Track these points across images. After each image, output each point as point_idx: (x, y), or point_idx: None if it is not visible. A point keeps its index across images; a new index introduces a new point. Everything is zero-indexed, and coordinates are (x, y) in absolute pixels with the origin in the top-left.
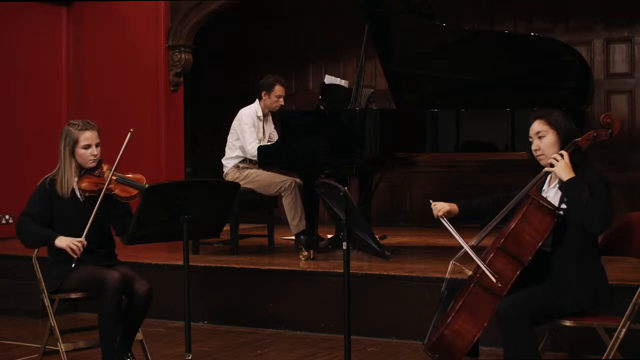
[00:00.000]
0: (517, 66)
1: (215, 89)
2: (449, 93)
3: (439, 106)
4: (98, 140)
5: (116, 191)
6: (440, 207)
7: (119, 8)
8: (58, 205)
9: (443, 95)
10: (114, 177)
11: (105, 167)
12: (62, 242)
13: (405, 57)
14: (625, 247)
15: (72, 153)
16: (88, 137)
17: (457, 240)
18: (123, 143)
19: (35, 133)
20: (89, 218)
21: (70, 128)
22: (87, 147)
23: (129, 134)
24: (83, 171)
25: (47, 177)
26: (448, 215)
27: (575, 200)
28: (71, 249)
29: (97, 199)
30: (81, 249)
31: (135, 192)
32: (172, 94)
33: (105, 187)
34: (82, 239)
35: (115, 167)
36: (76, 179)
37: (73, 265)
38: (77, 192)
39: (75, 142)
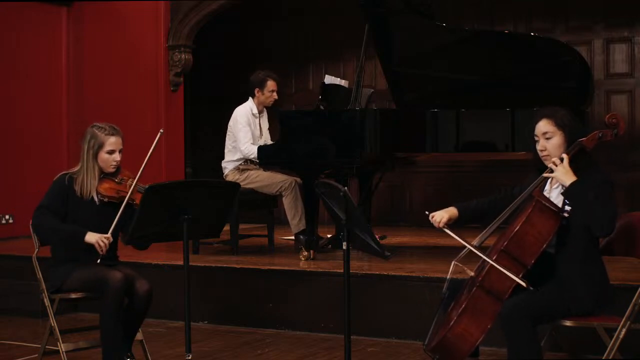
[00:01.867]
0: (517, 66)
1: (215, 89)
2: (449, 93)
3: (439, 106)
4: (122, 147)
5: (137, 201)
6: (439, 219)
7: (119, 8)
8: (74, 205)
9: (443, 95)
10: (136, 186)
11: (126, 174)
12: (92, 237)
13: (405, 57)
14: (626, 247)
15: (96, 156)
16: (113, 142)
17: (457, 240)
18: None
19: (35, 133)
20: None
21: (97, 131)
22: (112, 152)
23: (159, 134)
24: (102, 175)
25: (66, 174)
26: (449, 222)
27: (580, 205)
28: (99, 245)
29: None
30: (107, 245)
31: None
32: (172, 94)
33: (128, 196)
34: (109, 235)
35: (139, 177)
36: (96, 183)
37: (99, 260)
38: (95, 196)
39: (100, 146)
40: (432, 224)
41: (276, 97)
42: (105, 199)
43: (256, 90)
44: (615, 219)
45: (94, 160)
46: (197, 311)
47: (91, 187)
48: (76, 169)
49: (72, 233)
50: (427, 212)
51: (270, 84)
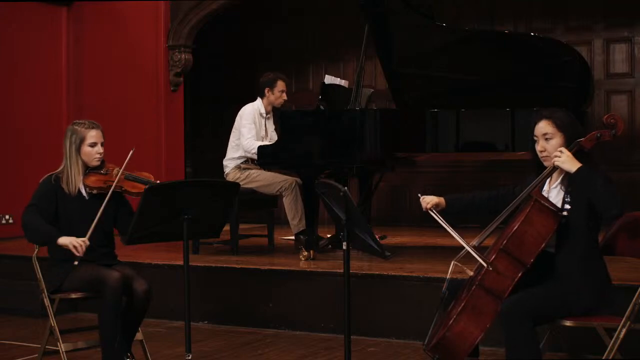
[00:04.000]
0: (517, 66)
1: (215, 89)
2: (449, 93)
3: (439, 106)
4: (103, 140)
5: (127, 187)
6: (428, 200)
7: (119, 8)
8: (63, 203)
9: (443, 95)
10: (122, 175)
11: (111, 166)
12: (65, 240)
13: (405, 57)
14: (626, 247)
15: (78, 151)
16: (94, 135)
17: (457, 241)
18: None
19: (35, 133)
20: (94, 216)
21: (76, 127)
22: (94, 145)
23: (131, 152)
24: (88, 170)
25: (51, 174)
26: (437, 208)
27: (590, 187)
28: (74, 246)
29: (104, 197)
30: (84, 248)
31: (144, 187)
32: (172, 94)
33: (114, 184)
34: (86, 239)
35: (125, 166)
36: (81, 177)
37: (76, 262)
38: (83, 190)
39: (81, 140)
40: (431, 223)
41: (285, 97)
42: (94, 191)
43: (266, 90)
44: (621, 204)
45: (77, 155)
46: (197, 311)
47: (77, 182)
48: (60, 168)
49: (47, 235)
50: (419, 194)
51: (280, 84)
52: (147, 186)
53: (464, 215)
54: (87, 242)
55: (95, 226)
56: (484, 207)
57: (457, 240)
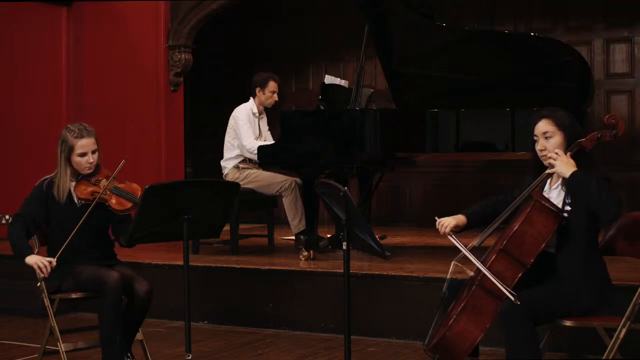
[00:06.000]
0: (517, 66)
1: (215, 89)
2: (449, 93)
3: (439, 106)
4: (95, 147)
5: (111, 202)
6: (447, 224)
7: (119, 8)
8: (54, 208)
9: (443, 95)
10: (109, 186)
11: (102, 174)
12: (31, 259)
13: (405, 57)
14: (626, 247)
15: (68, 160)
16: (84, 144)
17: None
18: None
19: (35, 133)
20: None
21: (67, 134)
22: (83, 155)
23: (122, 162)
24: (80, 177)
25: (45, 179)
26: (456, 229)
27: (585, 191)
28: (39, 267)
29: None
30: (49, 269)
31: (129, 205)
32: (172, 94)
33: (98, 197)
34: (53, 259)
35: (112, 178)
36: (73, 184)
37: (38, 284)
38: (74, 198)
39: (70, 149)
40: (431, 223)
41: (276, 98)
42: (82, 201)
43: (257, 89)
44: (621, 205)
45: (67, 163)
46: (197, 311)
47: (66, 190)
48: (54, 173)
49: (18, 253)
50: (435, 218)
51: (272, 85)
52: (134, 202)
53: (480, 227)
54: (54, 263)
55: (84, 232)
56: (491, 216)
57: (465, 253)
